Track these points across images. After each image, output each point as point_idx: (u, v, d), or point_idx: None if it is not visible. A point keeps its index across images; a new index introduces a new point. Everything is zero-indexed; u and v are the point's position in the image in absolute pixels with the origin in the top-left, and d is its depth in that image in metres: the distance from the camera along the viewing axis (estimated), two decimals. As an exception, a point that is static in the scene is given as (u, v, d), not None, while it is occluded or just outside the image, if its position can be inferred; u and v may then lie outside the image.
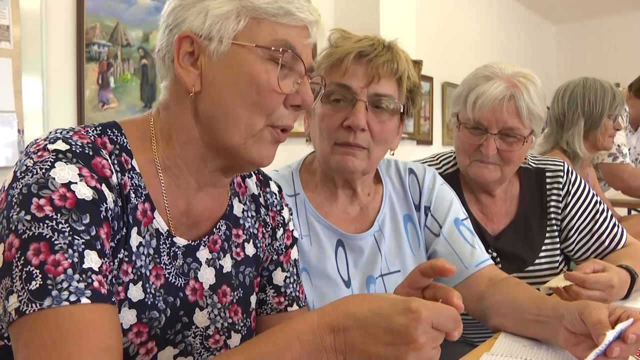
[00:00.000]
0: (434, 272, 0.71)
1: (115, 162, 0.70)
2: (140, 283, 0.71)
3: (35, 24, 1.89)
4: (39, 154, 0.64)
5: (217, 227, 0.83)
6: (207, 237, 0.81)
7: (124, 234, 0.70)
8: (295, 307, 0.92)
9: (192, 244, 0.79)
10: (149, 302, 0.72)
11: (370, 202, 1.19)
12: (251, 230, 0.89)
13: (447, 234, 1.18)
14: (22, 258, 0.59)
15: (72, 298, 0.58)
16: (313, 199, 1.14)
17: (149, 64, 2.23)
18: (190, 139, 0.76)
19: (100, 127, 0.73)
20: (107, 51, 2.10)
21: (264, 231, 0.91)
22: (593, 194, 1.45)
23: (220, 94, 0.73)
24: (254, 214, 0.90)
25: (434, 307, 0.60)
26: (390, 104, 1.06)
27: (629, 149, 3.41)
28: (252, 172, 0.94)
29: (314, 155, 1.20)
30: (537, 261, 1.40)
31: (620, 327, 0.80)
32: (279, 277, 0.92)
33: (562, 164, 1.46)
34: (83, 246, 0.61)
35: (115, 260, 0.69)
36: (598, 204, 1.44)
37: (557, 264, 1.42)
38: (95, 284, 0.60)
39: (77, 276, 0.59)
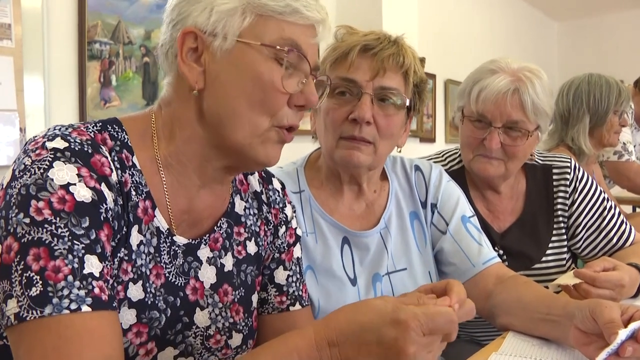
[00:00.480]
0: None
1: (116, 159, 0.69)
2: (140, 282, 0.70)
3: (36, 22, 1.88)
4: (37, 152, 0.63)
5: (219, 225, 0.82)
6: (208, 235, 0.80)
7: (124, 232, 0.68)
8: (297, 306, 0.91)
9: (193, 242, 0.78)
10: (149, 302, 0.71)
11: (376, 199, 1.17)
12: (253, 228, 0.87)
13: (454, 232, 1.16)
14: (22, 263, 0.58)
15: (73, 306, 0.57)
16: (318, 196, 1.13)
17: (150, 61, 2.22)
18: (193, 136, 0.74)
19: (100, 123, 0.72)
20: (108, 49, 2.09)
21: (266, 229, 0.89)
22: (601, 190, 1.43)
23: (224, 92, 0.71)
24: (256, 211, 0.89)
25: (424, 314, 0.60)
26: (396, 98, 1.05)
27: (634, 146, 3.39)
28: None
29: (319, 152, 1.19)
30: (543, 259, 1.39)
31: (633, 326, 0.78)
32: (281, 275, 0.91)
33: (569, 160, 1.45)
34: (83, 251, 0.60)
35: (116, 260, 0.67)
36: (606, 201, 1.42)
37: (564, 262, 1.40)
38: (96, 290, 0.60)
39: (77, 283, 0.59)
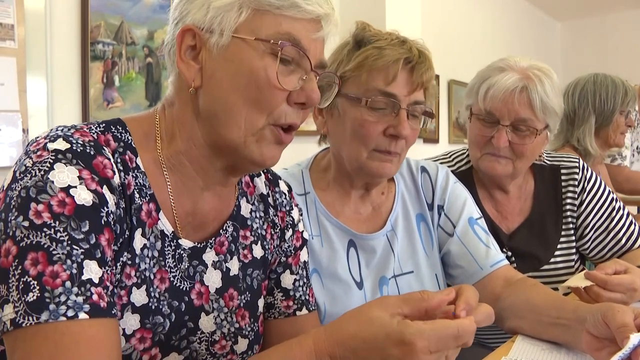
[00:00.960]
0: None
1: (119, 160, 0.68)
2: (144, 287, 0.69)
3: (39, 23, 1.88)
4: (39, 153, 0.62)
5: (224, 228, 0.80)
6: (213, 238, 0.79)
7: (127, 236, 0.67)
8: (304, 311, 0.89)
9: (198, 246, 0.76)
10: (153, 307, 0.69)
11: (382, 201, 1.16)
12: (259, 231, 0.86)
13: (461, 234, 1.15)
14: (20, 267, 0.56)
15: (70, 313, 0.56)
16: (324, 198, 1.11)
17: (153, 62, 2.21)
18: (192, 136, 0.73)
19: (104, 124, 0.70)
20: (111, 50, 2.08)
21: (273, 232, 0.88)
22: (609, 191, 1.42)
23: (220, 89, 0.70)
24: (262, 214, 0.87)
25: (431, 332, 0.58)
26: (423, 111, 1.06)
27: (638, 147, 3.37)
28: (261, 171, 0.91)
29: (324, 153, 1.18)
30: (552, 260, 1.37)
31: (646, 331, 0.77)
32: (287, 279, 0.89)
33: (577, 160, 1.43)
34: (82, 256, 0.59)
35: (118, 264, 0.66)
36: (614, 202, 1.41)
37: (572, 263, 1.39)
38: (95, 297, 0.58)
39: (75, 289, 0.57)
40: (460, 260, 1.14)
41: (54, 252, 0.57)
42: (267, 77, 0.69)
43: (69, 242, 0.58)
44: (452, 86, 4.34)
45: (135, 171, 0.70)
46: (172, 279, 0.73)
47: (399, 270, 1.11)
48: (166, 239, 0.72)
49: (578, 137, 1.97)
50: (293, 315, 0.89)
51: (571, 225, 1.40)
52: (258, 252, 0.85)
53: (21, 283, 0.56)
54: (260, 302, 0.86)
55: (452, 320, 0.61)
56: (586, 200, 1.39)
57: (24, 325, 0.55)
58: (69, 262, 0.58)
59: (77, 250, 0.59)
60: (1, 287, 0.57)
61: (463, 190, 1.20)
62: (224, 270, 0.79)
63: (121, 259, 0.66)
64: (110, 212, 0.64)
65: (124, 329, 0.66)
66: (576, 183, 1.40)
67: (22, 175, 0.60)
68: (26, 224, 0.58)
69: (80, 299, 0.57)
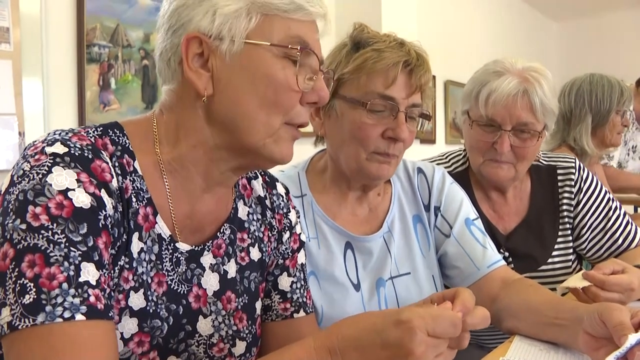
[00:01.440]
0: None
1: (117, 164, 0.68)
2: (141, 291, 0.69)
3: (35, 25, 1.87)
4: (37, 157, 0.62)
5: (221, 231, 0.80)
6: (211, 241, 0.79)
7: (124, 240, 0.67)
8: (302, 313, 0.89)
9: (196, 249, 0.76)
10: (151, 310, 0.69)
11: (379, 203, 1.16)
12: (256, 233, 0.86)
13: (458, 235, 1.15)
14: (17, 270, 0.56)
15: (67, 314, 0.56)
16: (320, 200, 1.11)
17: (150, 64, 2.21)
18: (201, 142, 0.73)
19: (101, 128, 0.70)
20: (107, 52, 2.08)
21: (270, 234, 0.88)
22: (605, 191, 1.42)
23: (236, 95, 0.70)
24: (259, 216, 0.87)
25: (427, 314, 0.59)
26: (420, 113, 1.06)
27: (634, 146, 3.38)
28: (258, 174, 0.91)
29: (321, 155, 1.17)
30: (549, 260, 1.37)
31: (644, 330, 0.77)
32: (284, 282, 0.89)
33: (573, 160, 1.44)
34: (80, 258, 0.59)
35: (116, 268, 0.66)
36: (611, 201, 1.41)
37: (570, 263, 1.39)
38: (92, 299, 0.58)
39: (72, 291, 0.57)
40: (457, 261, 1.14)
41: (51, 254, 0.57)
42: (286, 81, 0.70)
43: (67, 244, 0.58)
44: (449, 87, 4.35)
45: (133, 175, 0.69)
46: (169, 282, 0.73)
47: (396, 272, 1.11)
48: (163, 242, 0.72)
49: (574, 136, 1.97)
50: (290, 318, 0.89)
51: (568, 226, 1.40)
52: (255, 254, 0.85)
53: (18, 285, 0.56)
54: (258, 305, 0.86)
55: (447, 310, 0.62)
56: (583, 200, 1.39)
57: (20, 327, 0.55)
58: (66, 264, 0.57)
59: (75, 252, 0.58)
60: None
61: (459, 191, 1.20)
62: (222, 273, 0.79)
63: (119, 262, 0.66)
64: (108, 215, 0.63)
65: (122, 333, 0.66)
66: (573, 183, 1.40)
67: (20, 179, 0.60)
68: (23, 226, 0.57)
69: (77, 301, 0.57)
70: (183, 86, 0.72)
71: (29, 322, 0.55)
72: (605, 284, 1.03)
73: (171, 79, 0.74)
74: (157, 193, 0.72)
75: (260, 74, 0.69)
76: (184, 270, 0.75)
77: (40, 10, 1.88)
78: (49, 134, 0.66)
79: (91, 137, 0.67)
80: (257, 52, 0.69)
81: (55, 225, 0.58)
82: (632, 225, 1.41)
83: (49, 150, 0.62)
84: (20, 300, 0.55)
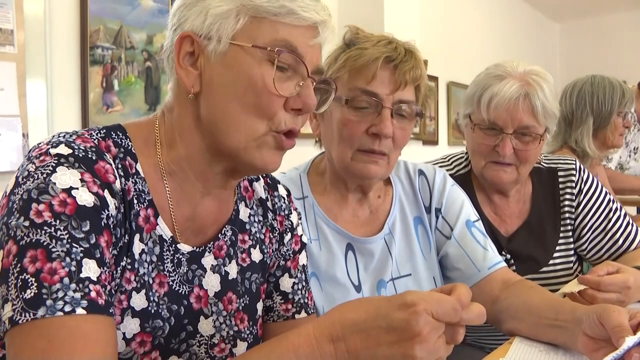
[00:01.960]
0: None
1: (120, 166, 0.69)
2: (143, 291, 0.69)
3: (39, 27, 1.89)
4: (41, 158, 0.62)
5: (223, 232, 0.81)
6: (212, 243, 0.79)
7: (126, 241, 0.68)
8: (303, 314, 0.90)
9: (197, 250, 0.77)
10: (153, 311, 0.70)
11: (380, 204, 1.16)
12: (258, 235, 0.86)
13: (459, 237, 1.15)
14: (19, 265, 0.57)
15: (67, 308, 0.56)
16: (322, 202, 1.12)
17: (153, 66, 2.22)
18: (192, 141, 0.74)
19: (104, 130, 0.71)
20: (110, 54, 2.09)
21: (271, 236, 0.89)
22: (606, 192, 1.43)
23: (219, 95, 0.71)
24: (261, 218, 0.88)
25: (430, 297, 0.58)
26: (411, 111, 1.05)
27: (636, 148, 3.38)
28: (260, 175, 0.91)
29: (322, 157, 1.18)
30: (551, 262, 1.38)
31: (642, 332, 0.77)
32: (286, 283, 0.90)
33: (574, 162, 1.44)
34: (81, 254, 0.59)
35: (118, 269, 0.67)
36: (611, 203, 1.41)
37: (571, 264, 1.40)
38: (93, 294, 0.58)
39: (73, 285, 0.57)
40: (458, 262, 1.14)
41: (53, 250, 0.58)
42: (264, 84, 0.69)
43: (69, 240, 0.59)
44: (451, 88, 4.35)
45: (135, 177, 0.70)
46: (171, 283, 0.73)
47: (396, 273, 1.12)
48: (165, 243, 0.73)
49: (576, 138, 1.97)
50: (292, 319, 0.89)
51: (569, 227, 1.40)
52: (257, 255, 0.85)
53: (19, 281, 0.56)
54: (259, 306, 0.86)
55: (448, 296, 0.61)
56: (583, 202, 1.40)
57: (20, 322, 0.55)
58: (68, 259, 0.58)
59: (77, 248, 0.59)
60: (3, 287, 0.57)
61: (460, 193, 1.21)
62: (223, 274, 0.80)
63: (121, 263, 0.67)
64: (110, 215, 0.64)
65: (124, 333, 0.67)
66: (573, 185, 1.41)
67: (24, 179, 0.61)
68: (27, 223, 0.58)
69: (78, 295, 0.57)
70: (177, 84, 0.74)
71: (30, 316, 0.55)
72: (601, 285, 1.04)
73: (170, 76, 0.76)
74: (158, 195, 0.73)
75: (242, 75, 0.70)
76: (185, 271, 0.75)
77: (44, 12, 1.90)
78: (53, 136, 0.67)
79: (95, 139, 0.68)
80: (240, 53, 0.69)
81: (58, 221, 0.59)
82: (632, 226, 1.41)
83: (53, 151, 0.63)
84: (21, 295, 0.56)
